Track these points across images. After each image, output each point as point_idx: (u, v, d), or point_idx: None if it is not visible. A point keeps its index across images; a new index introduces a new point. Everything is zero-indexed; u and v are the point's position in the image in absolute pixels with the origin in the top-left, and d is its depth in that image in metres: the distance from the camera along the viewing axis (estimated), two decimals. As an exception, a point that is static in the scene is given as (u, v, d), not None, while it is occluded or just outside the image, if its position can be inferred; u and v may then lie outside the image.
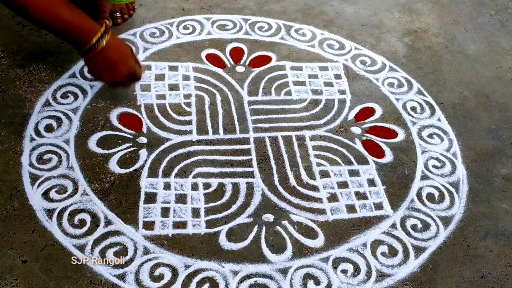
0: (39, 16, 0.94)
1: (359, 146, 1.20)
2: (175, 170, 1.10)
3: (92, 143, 1.13)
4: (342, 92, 1.33)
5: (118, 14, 1.42)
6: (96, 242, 0.97)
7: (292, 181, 1.12)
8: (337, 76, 1.37)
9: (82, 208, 1.02)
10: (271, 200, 1.08)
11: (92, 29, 1.01)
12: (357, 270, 0.99)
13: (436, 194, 1.13)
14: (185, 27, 1.45)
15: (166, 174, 1.10)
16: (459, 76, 1.43)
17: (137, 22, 1.45)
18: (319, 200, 1.09)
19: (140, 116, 1.21)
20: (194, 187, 1.08)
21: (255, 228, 1.03)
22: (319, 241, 1.02)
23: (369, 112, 1.29)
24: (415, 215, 1.09)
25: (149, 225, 1.01)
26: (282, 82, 1.33)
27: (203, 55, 1.38)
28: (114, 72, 1.03)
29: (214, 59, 1.37)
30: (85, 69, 1.26)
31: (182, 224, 1.02)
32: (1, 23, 1.39)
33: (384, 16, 1.59)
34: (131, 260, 0.96)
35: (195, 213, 1.04)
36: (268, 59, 1.39)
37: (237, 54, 1.39)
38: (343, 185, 1.12)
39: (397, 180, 1.15)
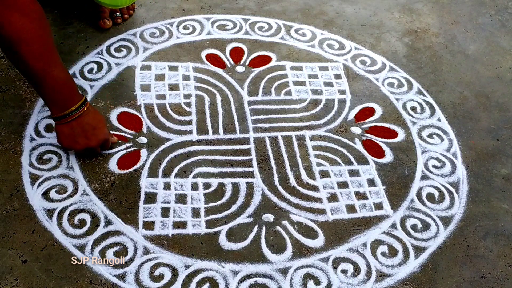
0: (34, 68, 0.94)
1: (359, 146, 1.20)
2: (175, 170, 1.10)
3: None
4: (342, 92, 1.33)
5: (118, 14, 1.42)
6: (96, 242, 0.97)
7: (292, 181, 1.11)
8: (337, 76, 1.37)
9: (82, 208, 1.02)
10: (271, 200, 1.08)
11: (77, 95, 1.02)
12: (357, 270, 0.99)
13: (436, 194, 1.13)
14: (185, 27, 1.45)
15: (166, 174, 1.10)
16: (459, 76, 1.43)
17: (137, 22, 1.45)
18: (319, 200, 1.09)
19: (140, 116, 1.21)
20: (194, 187, 1.08)
21: (255, 228, 1.03)
22: (319, 241, 1.02)
23: (369, 112, 1.29)
24: (415, 215, 1.09)
25: (149, 225, 1.01)
26: (282, 82, 1.33)
27: (203, 55, 1.38)
28: (90, 137, 1.04)
29: (214, 59, 1.37)
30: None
31: (182, 224, 1.02)
32: None
33: (384, 16, 1.59)
34: (131, 260, 0.96)
35: (195, 213, 1.04)
36: (268, 59, 1.39)
37: (237, 54, 1.39)
38: (343, 185, 1.12)
39: (397, 180, 1.15)
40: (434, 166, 1.19)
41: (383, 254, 1.01)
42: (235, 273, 0.96)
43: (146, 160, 1.11)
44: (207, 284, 0.94)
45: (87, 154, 1.09)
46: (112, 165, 1.10)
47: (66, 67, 1.01)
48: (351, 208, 1.08)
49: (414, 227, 1.07)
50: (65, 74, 0.99)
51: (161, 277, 0.94)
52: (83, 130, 1.03)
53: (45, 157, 1.09)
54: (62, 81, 0.98)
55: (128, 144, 1.14)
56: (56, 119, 1.03)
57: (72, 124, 1.02)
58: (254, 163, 1.14)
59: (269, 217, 1.05)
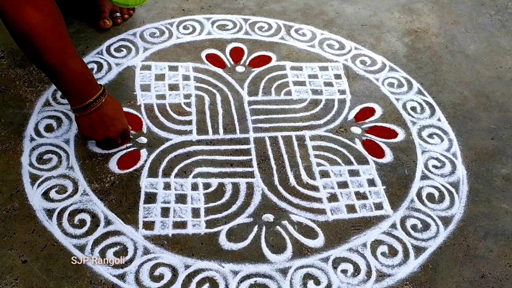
0: (50, 62, 0.94)
1: (359, 146, 1.20)
2: (175, 170, 1.10)
3: (92, 143, 1.13)
4: (342, 92, 1.33)
5: (118, 14, 1.42)
6: (96, 242, 0.97)
7: (292, 181, 1.12)
8: (337, 76, 1.37)
9: (82, 208, 1.02)
10: (271, 200, 1.08)
11: (95, 86, 1.02)
12: (357, 270, 0.99)
13: (436, 194, 1.13)
14: (185, 27, 1.45)
15: (166, 174, 1.10)
16: (459, 76, 1.43)
17: (137, 22, 1.45)
18: (319, 200, 1.09)
19: (140, 116, 1.21)
20: (194, 187, 1.08)
21: (255, 228, 1.03)
22: (319, 241, 1.02)
23: (369, 112, 1.29)
24: (415, 215, 1.09)
25: (149, 225, 1.01)
26: (282, 82, 1.33)
27: (203, 55, 1.38)
28: (109, 128, 1.05)
29: (214, 59, 1.37)
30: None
31: (182, 224, 1.02)
32: (1, 23, 1.38)
33: (384, 16, 1.59)
34: (131, 260, 0.96)
35: (195, 213, 1.04)
36: (268, 59, 1.39)
37: (237, 54, 1.39)
38: (343, 185, 1.12)
39: (397, 180, 1.15)
40: (434, 166, 1.19)
41: (383, 254, 1.01)
42: (235, 273, 0.96)
43: (146, 160, 1.11)
44: (207, 284, 0.94)
45: (108, 144, 1.10)
46: (112, 165, 1.10)
47: (82, 59, 1.01)
48: (351, 208, 1.08)
49: (414, 227, 1.07)
50: (82, 67, 0.99)
51: (161, 277, 0.94)
52: (102, 121, 1.03)
53: (45, 157, 1.09)
54: (79, 73, 0.98)
55: (128, 144, 1.14)
56: (75, 111, 1.03)
57: (91, 116, 1.02)
58: (254, 163, 1.14)
59: (269, 217, 1.05)
